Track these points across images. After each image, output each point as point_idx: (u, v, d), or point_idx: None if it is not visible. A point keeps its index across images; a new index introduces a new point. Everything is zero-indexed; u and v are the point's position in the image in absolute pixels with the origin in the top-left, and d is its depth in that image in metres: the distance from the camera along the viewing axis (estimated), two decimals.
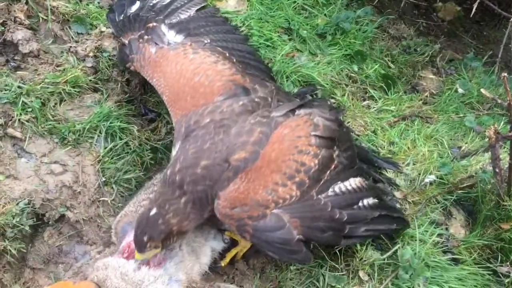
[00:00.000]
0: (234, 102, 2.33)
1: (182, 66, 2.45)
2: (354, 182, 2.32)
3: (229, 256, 2.38)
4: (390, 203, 2.55)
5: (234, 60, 2.59)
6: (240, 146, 2.16)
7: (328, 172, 2.26)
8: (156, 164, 2.74)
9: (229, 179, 2.11)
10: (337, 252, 2.46)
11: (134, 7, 2.84)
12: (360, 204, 2.29)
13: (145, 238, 2.03)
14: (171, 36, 2.64)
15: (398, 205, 2.62)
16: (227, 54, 2.59)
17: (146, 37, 2.59)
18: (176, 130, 2.32)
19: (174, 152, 2.27)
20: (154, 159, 2.74)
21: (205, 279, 2.35)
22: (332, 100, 2.98)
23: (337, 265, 2.45)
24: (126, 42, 2.63)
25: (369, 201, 2.32)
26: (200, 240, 2.30)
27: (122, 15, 2.79)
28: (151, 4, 2.84)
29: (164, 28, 2.66)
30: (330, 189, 2.24)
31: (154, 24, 2.66)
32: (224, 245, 2.39)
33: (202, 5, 2.93)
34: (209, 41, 2.64)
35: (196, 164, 2.13)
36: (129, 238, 2.24)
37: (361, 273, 2.41)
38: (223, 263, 2.37)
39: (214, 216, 2.14)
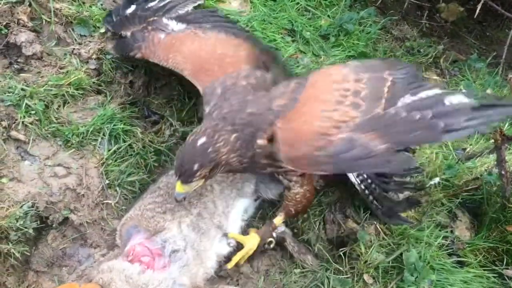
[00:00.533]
0: (265, 73, 2.38)
1: (198, 43, 2.48)
2: (430, 92, 2.10)
3: (235, 259, 2.36)
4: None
5: (242, 38, 2.60)
6: (279, 96, 2.18)
7: (386, 89, 2.12)
8: (159, 166, 2.72)
9: (272, 122, 2.10)
10: (342, 255, 2.46)
11: (130, 10, 2.85)
12: (447, 102, 2.03)
13: (196, 166, 2.01)
14: (173, 25, 2.65)
15: None
16: (233, 35, 2.61)
17: (150, 27, 2.60)
18: (207, 93, 2.30)
19: (207, 109, 2.25)
20: (158, 161, 2.72)
21: (209, 282, 2.35)
22: None
23: (341, 268, 2.45)
24: (128, 34, 2.63)
25: (460, 99, 2.03)
26: (205, 245, 2.30)
27: (119, 16, 2.81)
28: (146, 7, 2.85)
29: (165, 20, 2.68)
30: (399, 102, 2.06)
31: (155, 18, 2.68)
32: (229, 249, 2.38)
33: (199, 3, 2.95)
34: (209, 26, 2.66)
35: (242, 110, 2.14)
36: (134, 241, 2.25)
37: (365, 276, 2.40)
38: (229, 266, 2.36)
39: (252, 166, 2.15)
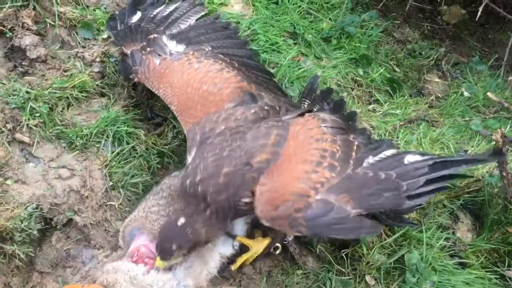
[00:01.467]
0: (246, 110, 2.37)
1: (188, 76, 2.49)
2: (388, 151, 2.22)
3: (239, 261, 2.38)
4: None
5: (236, 65, 2.62)
6: (259, 149, 2.17)
7: (354, 152, 2.21)
8: (162, 168, 2.75)
9: (253, 179, 2.11)
10: (344, 256, 2.47)
11: (135, 17, 2.88)
12: (406, 161, 2.13)
13: (174, 247, 2.08)
14: (173, 46, 2.68)
15: None
16: (229, 60, 2.63)
17: (148, 49, 2.63)
18: (189, 138, 2.34)
19: (190, 158, 2.28)
20: (161, 163, 2.75)
21: (212, 283, 2.36)
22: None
23: (343, 269, 2.45)
24: (128, 52, 2.67)
25: (414, 157, 2.14)
26: (209, 246, 2.31)
27: (123, 25, 2.83)
28: (151, 16, 2.87)
29: (165, 39, 2.71)
30: (364, 163, 2.15)
31: (155, 35, 2.70)
32: (232, 251, 2.39)
33: (202, 14, 2.97)
34: (210, 48, 2.68)
35: (218, 173, 2.13)
36: (138, 242, 2.26)
37: (367, 278, 2.41)
38: (233, 267, 2.38)
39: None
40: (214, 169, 2.14)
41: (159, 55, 2.60)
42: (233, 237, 2.42)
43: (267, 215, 2.07)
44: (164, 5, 2.94)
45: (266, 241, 2.41)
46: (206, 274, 2.31)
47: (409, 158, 2.13)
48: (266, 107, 2.42)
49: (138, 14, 2.90)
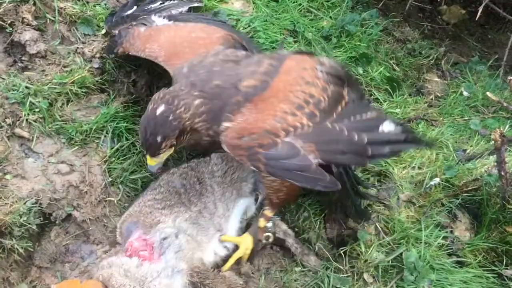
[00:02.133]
0: (237, 51, 2.33)
1: (175, 31, 2.48)
2: (370, 114, 2.20)
3: (230, 262, 2.34)
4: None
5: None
6: (249, 75, 2.11)
7: (340, 108, 2.17)
8: None
9: (239, 103, 2.05)
10: (342, 254, 2.48)
11: (130, 11, 2.88)
12: (381, 129, 2.12)
13: (159, 138, 1.96)
14: (160, 21, 2.68)
15: None
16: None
17: (134, 23, 2.64)
18: (176, 75, 2.24)
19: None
20: None
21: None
22: None
23: (342, 267, 2.46)
24: (116, 32, 2.66)
25: (390, 127, 2.15)
26: (203, 238, 2.31)
27: (118, 17, 2.84)
28: (146, 8, 2.89)
29: (153, 17, 2.71)
30: (345, 120, 2.12)
31: (145, 16, 2.72)
32: (226, 252, 2.39)
33: (196, 4, 2.98)
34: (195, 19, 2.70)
35: (209, 80, 2.08)
36: (133, 237, 2.26)
37: (365, 275, 2.42)
38: (224, 269, 2.33)
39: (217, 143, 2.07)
40: (205, 77, 2.09)
41: (145, 25, 2.61)
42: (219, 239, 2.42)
43: (229, 142, 2.00)
44: (160, 1, 2.95)
45: (250, 237, 2.37)
46: (198, 256, 2.29)
47: (384, 127, 2.12)
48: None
49: (134, 8, 2.91)
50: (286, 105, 2.05)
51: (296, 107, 2.06)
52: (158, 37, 2.45)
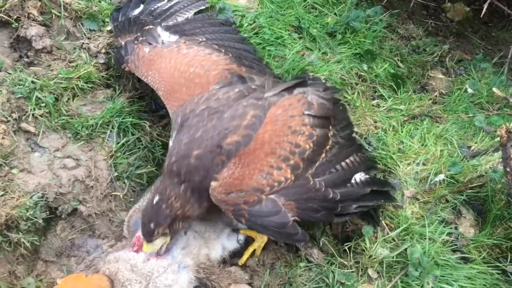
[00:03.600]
0: (230, 90, 2.36)
1: (176, 60, 2.49)
2: (349, 159, 2.36)
3: (246, 254, 2.40)
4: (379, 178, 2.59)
5: (230, 55, 2.62)
6: (232, 130, 2.18)
7: (324, 153, 2.29)
8: None
9: (223, 163, 2.13)
10: (347, 249, 2.48)
11: (137, 10, 2.89)
12: (353, 181, 2.32)
13: (152, 225, 2.08)
14: (166, 36, 2.69)
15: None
16: (223, 50, 2.63)
17: (141, 38, 2.63)
18: (173, 121, 2.34)
19: (171, 143, 2.29)
20: (165, 155, 2.74)
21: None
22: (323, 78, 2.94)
23: (346, 262, 2.47)
24: (123, 43, 2.67)
25: (361, 177, 2.35)
26: (211, 234, 2.32)
27: (124, 17, 2.84)
28: (152, 9, 2.89)
29: (159, 29, 2.71)
30: (326, 171, 2.27)
31: (150, 26, 2.71)
32: (236, 245, 2.41)
33: (202, 7, 2.98)
34: (204, 39, 2.68)
35: (189, 155, 2.15)
36: (140, 232, 2.27)
37: (370, 271, 2.42)
38: (240, 262, 2.39)
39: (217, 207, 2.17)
40: (186, 151, 2.16)
41: (150, 43, 2.60)
42: (237, 231, 2.43)
43: (217, 196, 2.10)
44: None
45: None
46: (205, 252, 2.31)
47: (357, 177, 2.32)
48: (253, 86, 2.42)
49: (141, 7, 2.91)
50: (272, 159, 2.16)
51: (282, 159, 2.17)
52: (160, 65, 2.50)
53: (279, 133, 2.20)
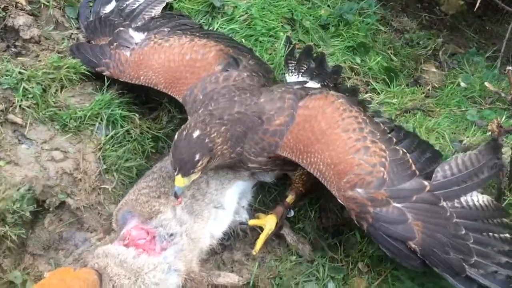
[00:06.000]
0: (240, 74, 2.43)
1: (165, 54, 2.52)
2: (481, 199, 2.17)
3: (259, 244, 2.39)
4: None
5: (209, 38, 2.65)
6: (277, 112, 2.23)
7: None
8: (157, 152, 2.73)
9: (277, 143, 2.19)
10: (337, 243, 2.48)
11: (109, 7, 2.89)
12: (490, 233, 2.07)
13: (197, 156, 2.06)
14: (138, 37, 2.66)
15: None
16: (198, 35, 2.65)
17: (115, 43, 2.61)
18: (188, 102, 2.36)
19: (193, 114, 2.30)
20: (155, 147, 2.73)
21: (204, 268, 2.36)
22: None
23: (336, 256, 2.47)
24: (98, 45, 2.66)
25: (501, 234, 2.07)
26: (199, 225, 2.31)
27: (95, 14, 2.84)
28: (121, 8, 2.88)
29: (131, 31, 2.69)
30: (456, 200, 2.10)
31: (121, 29, 2.69)
32: (221, 234, 2.40)
33: (167, 1, 3.00)
34: (168, 29, 2.69)
35: (231, 107, 2.22)
36: (129, 225, 2.25)
37: (360, 265, 2.43)
38: (254, 252, 2.39)
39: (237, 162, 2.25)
40: (227, 104, 2.23)
41: (127, 46, 2.60)
42: (245, 224, 2.46)
43: (344, 194, 2.05)
44: None
45: (274, 217, 2.42)
46: (196, 259, 2.29)
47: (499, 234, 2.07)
48: (253, 73, 2.48)
49: (113, 4, 2.91)
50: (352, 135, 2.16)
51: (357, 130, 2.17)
52: (150, 63, 2.51)
53: (333, 113, 2.23)
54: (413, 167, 2.12)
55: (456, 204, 2.09)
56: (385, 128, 2.27)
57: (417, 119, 2.99)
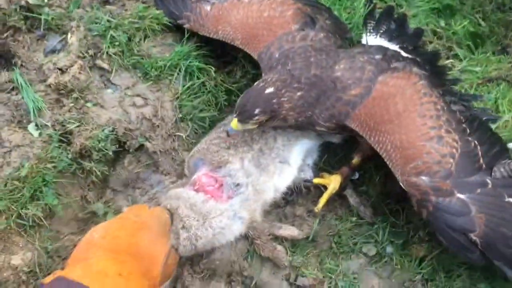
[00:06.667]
0: (317, 34, 2.42)
1: (244, 10, 2.53)
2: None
3: (322, 201, 2.45)
4: None
5: None
6: (355, 82, 2.21)
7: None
8: (229, 105, 2.80)
9: (347, 113, 2.18)
10: (400, 209, 2.47)
11: None
12: None
13: (257, 110, 2.15)
14: None
15: None
16: None
17: None
18: (264, 59, 2.38)
19: (270, 75, 2.30)
20: (228, 100, 2.81)
21: (267, 219, 2.46)
22: None
23: (398, 222, 2.47)
24: None
25: None
26: (264, 179, 2.39)
27: None
28: None
29: None
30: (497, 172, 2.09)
31: None
32: (285, 189, 2.46)
33: None
34: None
35: (307, 69, 2.23)
36: (200, 172, 2.39)
37: (421, 233, 2.41)
38: (316, 209, 2.46)
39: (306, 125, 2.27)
40: (304, 65, 2.24)
41: (208, 1, 2.64)
42: (309, 181, 2.52)
43: (408, 180, 2.05)
44: None
45: (339, 177, 2.46)
46: (260, 210, 2.40)
47: None
48: (330, 34, 2.46)
49: None
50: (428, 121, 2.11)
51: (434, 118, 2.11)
52: (229, 18, 2.53)
53: (412, 96, 2.19)
54: (481, 161, 2.08)
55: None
56: (461, 117, 2.20)
57: (500, 89, 2.81)
